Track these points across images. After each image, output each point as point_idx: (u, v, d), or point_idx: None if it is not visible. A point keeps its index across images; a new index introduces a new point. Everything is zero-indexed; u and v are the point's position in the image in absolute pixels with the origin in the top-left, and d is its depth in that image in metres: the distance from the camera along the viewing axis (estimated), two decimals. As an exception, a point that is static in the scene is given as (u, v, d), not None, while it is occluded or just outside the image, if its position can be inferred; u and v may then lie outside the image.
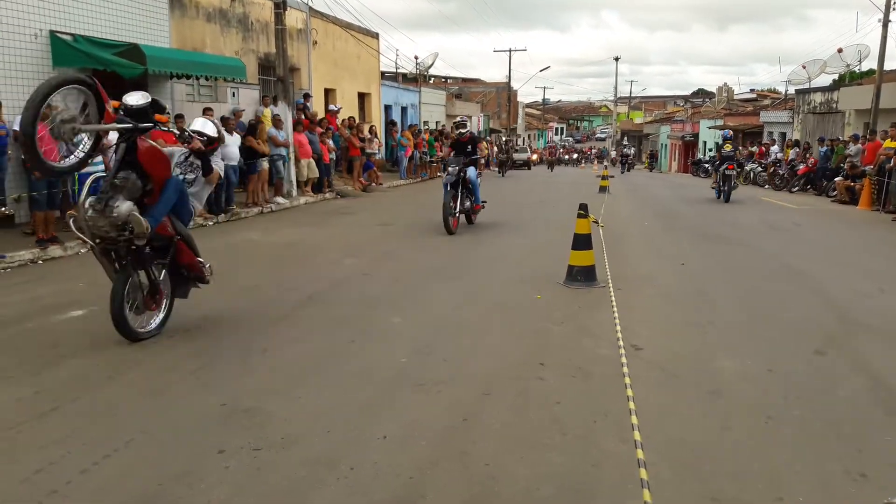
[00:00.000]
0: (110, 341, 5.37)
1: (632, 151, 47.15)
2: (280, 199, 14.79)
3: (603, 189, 20.08)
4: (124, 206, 4.91)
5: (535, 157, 49.29)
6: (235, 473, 3.33)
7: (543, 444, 3.66)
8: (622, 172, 37.80)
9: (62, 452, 3.52)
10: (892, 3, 20.66)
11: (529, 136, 71.74)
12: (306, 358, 5.02)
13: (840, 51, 27.50)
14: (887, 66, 21.57)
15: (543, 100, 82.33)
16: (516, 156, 42.89)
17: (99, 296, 6.85)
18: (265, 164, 14.12)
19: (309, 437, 3.70)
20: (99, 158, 9.58)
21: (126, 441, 3.64)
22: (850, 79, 27.72)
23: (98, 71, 11.56)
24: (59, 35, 11.09)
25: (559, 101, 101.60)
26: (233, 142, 12.85)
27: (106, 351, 5.16)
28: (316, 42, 20.82)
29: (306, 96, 18.83)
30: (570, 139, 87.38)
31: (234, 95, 16.26)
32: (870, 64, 25.79)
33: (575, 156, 58.83)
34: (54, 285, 7.47)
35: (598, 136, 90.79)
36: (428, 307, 6.53)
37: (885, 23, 20.71)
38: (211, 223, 12.09)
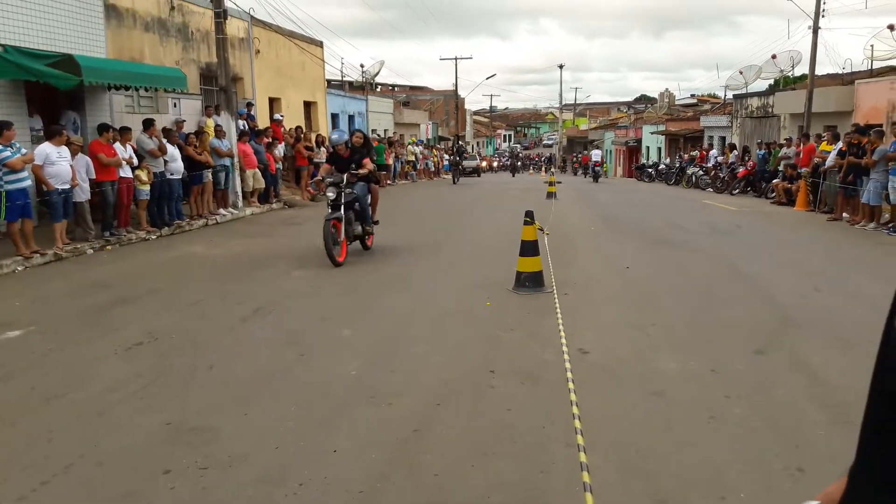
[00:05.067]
0: (48, 362, 5.22)
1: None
2: (224, 211, 14.55)
3: (551, 195, 20.32)
4: None
5: (484, 164, 49.58)
6: (181, 494, 3.26)
7: (494, 451, 3.68)
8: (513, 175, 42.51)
9: (-3, 480, 3.40)
10: (821, 10, 21.49)
11: (478, 143, 72.23)
12: (254, 373, 4.95)
13: (774, 57, 28.48)
14: (818, 72, 22.44)
15: (491, 107, 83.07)
16: (465, 163, 43.06)
17: (37, 315, 6.66)
18: (209, 175, 13.89)
19: (257, 454, 3.64)
20: (25, 174, 9.30)
21: (66, 466, 3.53)
22: (784, 84, 28.73)
23: (31, 83, 11.23)
24: (-11, 46, 10.72)
25: (506, 109, 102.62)
26: (177, 154, 12.61)
27: (44, 372, 5.00)
28: (259, 51, 20.59)
29: (249, 105, 18.62)
30: (518, 146, 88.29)
31: (175, 106, 15.96)
32: (802, 69, 26.77)
33: (494, 162, 57.64)
34: (-12, 305, 7.19)
35: (545, 142, 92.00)
36: (379, 318, 6.51)
37: (815, 30, 21.52)
38: (154, 237, 11.82)
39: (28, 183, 9.42)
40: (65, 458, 3.62)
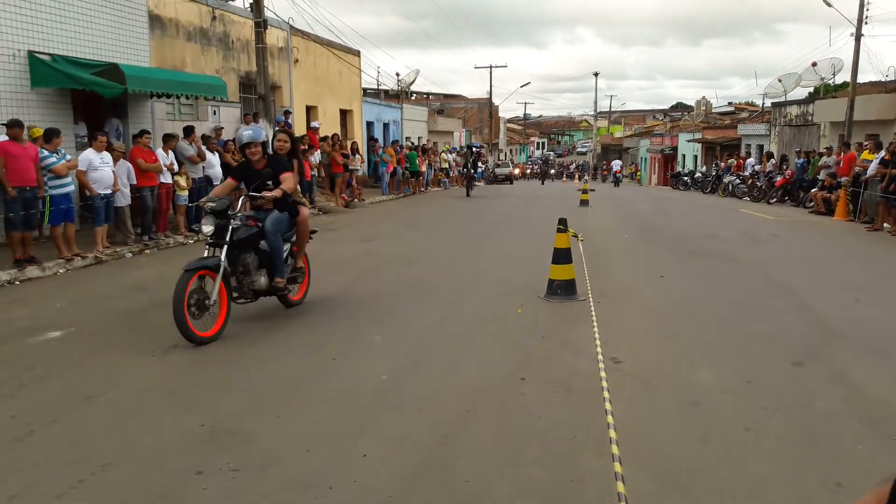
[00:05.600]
0: (87, 363, 5.34)
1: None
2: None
3: (584, 203, 20.20)
4: None
5: (517, 171, 49.65)
6: (214, 495, 3.30)
7: (525, 459, 3.66)
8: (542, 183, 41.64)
9: (38, 477, 3.48)
10: (864, 17, 21.08)
11: (511, 150, 72.19)
12: (287, 377, 4.99)
13: (814, 65, 28.01)
14: (860, 80, 22.01)
15: (525, 115, 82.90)
16: (498, 170, 43.21)
17: (77, 317, 6.81)
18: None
19: (289, 457, 3.68)
20: (69, 179, 9.55)
21: (103, 464, 3.60)
22: (824, 92, 28.21)
23: (77, 91, 11.54)
24: (37, 55, 11.04)
25: (540, 116, 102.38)
26: (216, 161, 12.82)
27: (83, 373, 5.12)
28: (297, 60, 20.87)
29: (287, 113, 18.86)
30: (551, 153, 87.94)
31: (215, 114, 16.25)
32: (843, 77, 26.30)
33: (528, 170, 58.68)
34: (31, 306, 7.39)
35: (578, 150, 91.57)
36: (409, 323, 6.53)
37: (858, 37, 21.11)
38: (192, 241, 12.03)
39: (72, 188, 9.67)
40: (103, 456, 3.69)
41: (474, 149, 29.32)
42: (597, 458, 3.62)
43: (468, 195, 24.17)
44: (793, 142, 26.81)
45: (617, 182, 40.78)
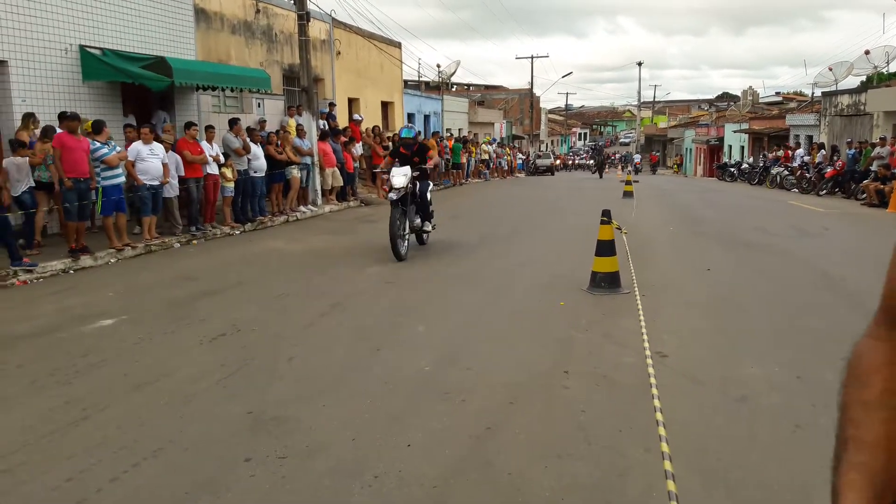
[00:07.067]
0: (138, 351, 5.47)
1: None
2: (304, 208, 14.91)
3: (628, 194, 19.95)
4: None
5: (558, 162, 49.33)
6: (261, 482, 3.36)
7: (569, 453, 3.64)
8: (600, 177, 37.43)
9: (92, 461, 3.58)
10: (921, 2, 20.34)
11: (553, 141, 71.71)
12: (332, 366, 5.05)
13: (867, 52, 27.15)
14: (917, 67, 21.23)
15: (566, 105, 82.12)
16: (539, 161, 43.08)
17: (128, 305, 6.99)
18: (295, 173, 14.24)
19: (334, 446, 3.72)
20: (119, 170, 9.78)
21: (154, 450, 3.69)
22: (878, 80, 27.31)
23: (126, 84, 11.80)
24: (88, 49, 11.32)
25: (582, 107, 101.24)
26: (260, 153, 12.98)
27: (134, 360, 5.25)
28: (339, 52, 21.00)
29: (331, 105, 19.00)
30: (597, 142, 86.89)
31: (259, 106, 16.45)
32: (898, 65, 25.38)
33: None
34: (85, 295, 7.59)
35: (622, 140, 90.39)
36: (452, 315, 6.54)
37: (915, 23, 20.39)
38: (238, 232, 12.22)
39: (122, 179, 9.90)
40: (153, 442, 3.79)
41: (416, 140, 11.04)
42: (642, 452, 3.58)
43: (400, 257, 9.22)
44: (843, 132, 26.03)
45: (636, 171, 44.07)
